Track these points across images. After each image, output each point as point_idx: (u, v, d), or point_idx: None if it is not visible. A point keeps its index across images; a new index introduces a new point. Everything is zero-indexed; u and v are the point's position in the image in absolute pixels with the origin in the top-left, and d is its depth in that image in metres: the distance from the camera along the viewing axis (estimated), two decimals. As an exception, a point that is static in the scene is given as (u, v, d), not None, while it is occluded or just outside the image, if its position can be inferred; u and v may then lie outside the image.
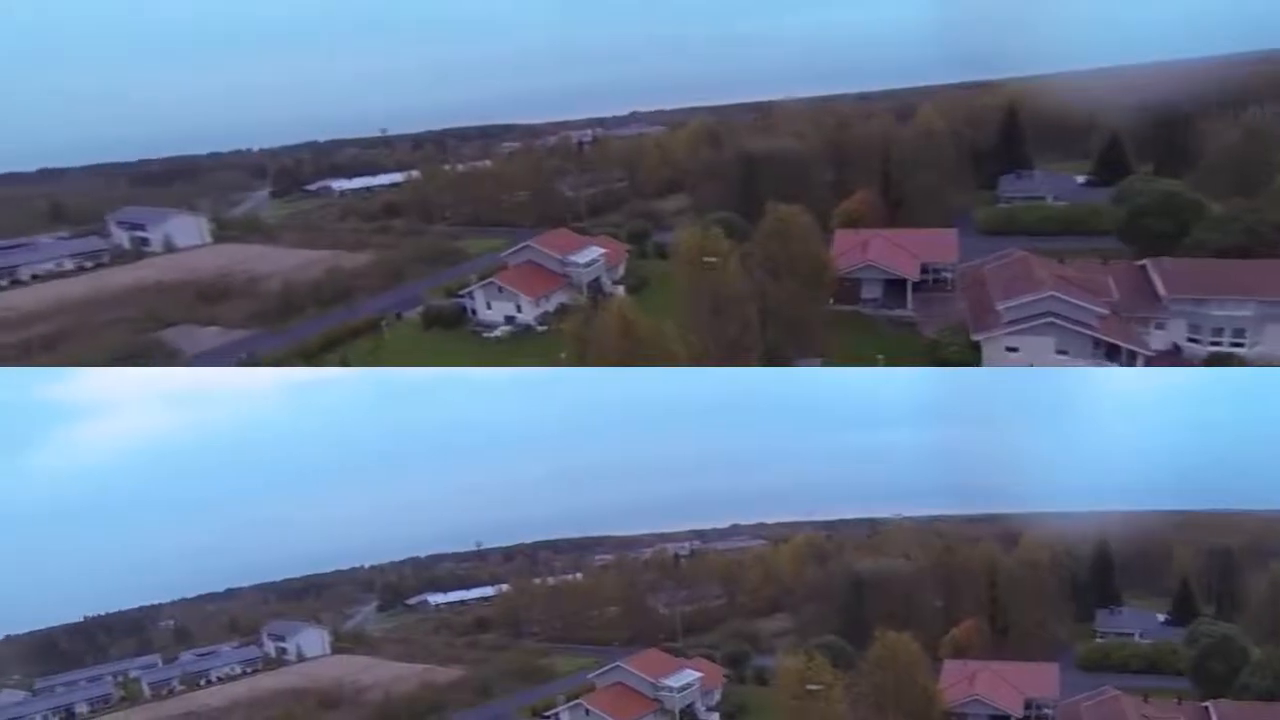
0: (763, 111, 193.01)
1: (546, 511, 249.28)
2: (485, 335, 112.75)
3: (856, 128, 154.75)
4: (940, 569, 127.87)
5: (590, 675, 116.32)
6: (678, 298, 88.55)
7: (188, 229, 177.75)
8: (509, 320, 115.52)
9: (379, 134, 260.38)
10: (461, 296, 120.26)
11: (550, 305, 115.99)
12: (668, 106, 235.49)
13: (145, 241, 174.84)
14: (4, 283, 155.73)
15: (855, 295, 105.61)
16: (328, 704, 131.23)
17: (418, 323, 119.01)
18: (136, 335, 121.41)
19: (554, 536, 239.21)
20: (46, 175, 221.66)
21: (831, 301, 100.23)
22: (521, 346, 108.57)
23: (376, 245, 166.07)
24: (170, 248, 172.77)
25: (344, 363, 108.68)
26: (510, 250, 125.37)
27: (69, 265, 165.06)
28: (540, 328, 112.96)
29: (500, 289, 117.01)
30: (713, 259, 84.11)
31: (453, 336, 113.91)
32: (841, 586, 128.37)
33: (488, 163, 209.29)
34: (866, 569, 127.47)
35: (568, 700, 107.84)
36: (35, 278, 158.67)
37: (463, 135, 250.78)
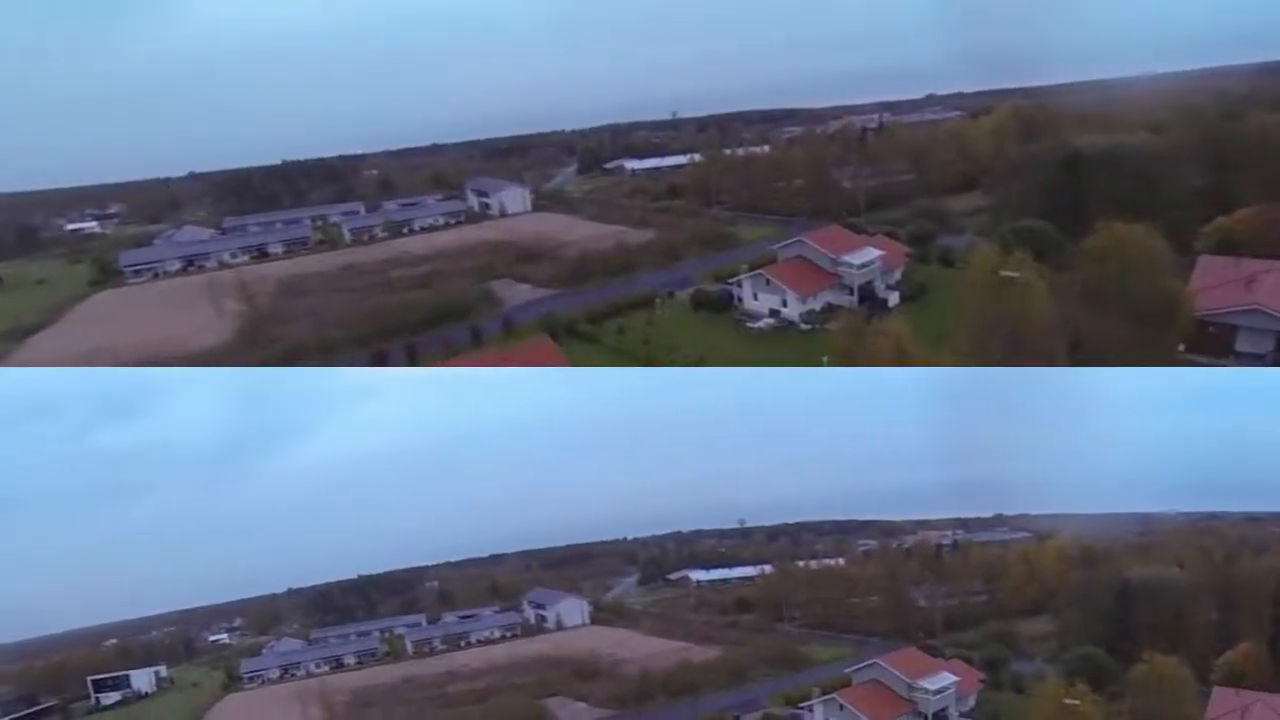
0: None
1: (810, 492, 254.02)
2: (749, 325, 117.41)
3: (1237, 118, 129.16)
4: (1218, 579, 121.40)
5: (847, 669, 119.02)
6: (964, 319, 78.81)
7: (516, 198, 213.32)
8: (773, 314, 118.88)
9: (669, 117, 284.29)
10: (730, 284, 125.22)
11: (817, 304, 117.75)
12: (969, 89, 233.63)
13: (487, 206, 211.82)
14: (405, 231, 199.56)
15: (1226, 346, 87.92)
16: (583, 675, 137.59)
17: (687, 303, 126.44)
18: (475, 283, 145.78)
19: (818, 518, 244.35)
20: (434, 150, 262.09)
21: (1182, 349, 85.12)
22: (783, 342, 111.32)
23: (658, 224, 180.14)
24: (503, 213, 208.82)
25: (620, 331, 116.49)
26: (782, 244, 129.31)
27: (441, 221, 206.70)
28: (804, 326, 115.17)
29: (768, 281, 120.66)
30: (1013, 274, 73.72)
31: (718, 321, 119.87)
32: (1108, 593, 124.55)
33: (766, 148, 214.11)
34: (1136, 577, 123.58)
35: (823, 693, 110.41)
36: (422, 229, 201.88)
37: (746, 119, 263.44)
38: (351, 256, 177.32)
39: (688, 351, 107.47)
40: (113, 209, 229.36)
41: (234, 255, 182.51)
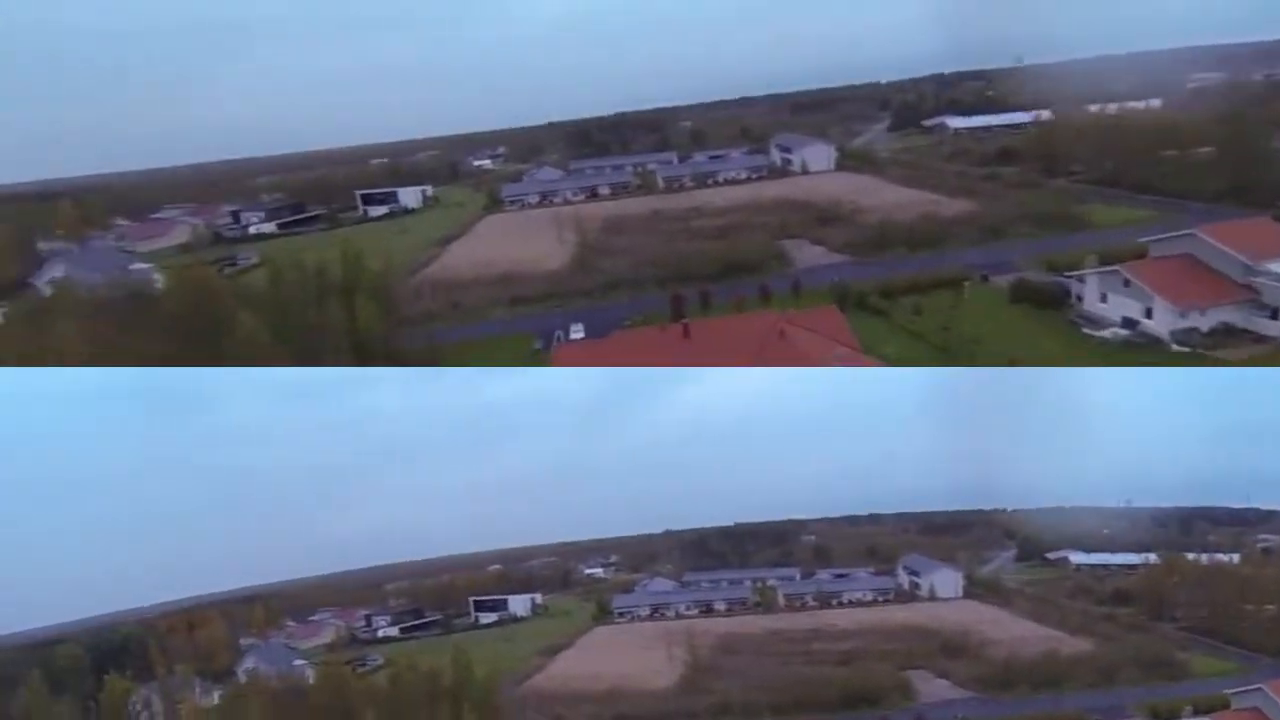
0: None
1: (1206, 474, 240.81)
2: (1088, 332, 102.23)
3: None
4: None
5: (1228, 690, 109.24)
6: None
7: (820, 155, 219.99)
8: (1128, 324, 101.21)
9: (1013, 64, 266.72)
10: (1067, 276, 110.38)
11: (1204, 321, 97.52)
12: None
13: (789, 162, 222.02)
14: (710, 183, 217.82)
15: None
16: (949, 650, 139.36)
17: (1004, 291, 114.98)
18: (768, 240, 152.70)
19: (1213, 504, 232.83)
20: (744, 103, 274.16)
21: None
22: (1138, 359, 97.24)
23: (981, 194, 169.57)
24: (805, 170, 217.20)
25: (917, 311, 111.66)
26: (1159, 236, 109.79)
27: (743, 175, 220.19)
28: (1177, 347, 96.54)
29: (1127, 282, 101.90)
30: None
31: (1043, 319, 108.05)
32: None
33: (1155, 103, 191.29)
34: None
35: (1195, 713, 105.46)
36: (725, 181, 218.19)
37: (1113, 64, 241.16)
38: (661, 203, 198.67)
39: (996, 349, 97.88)
40: (500, 150, 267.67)
41: (574, 194, 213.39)
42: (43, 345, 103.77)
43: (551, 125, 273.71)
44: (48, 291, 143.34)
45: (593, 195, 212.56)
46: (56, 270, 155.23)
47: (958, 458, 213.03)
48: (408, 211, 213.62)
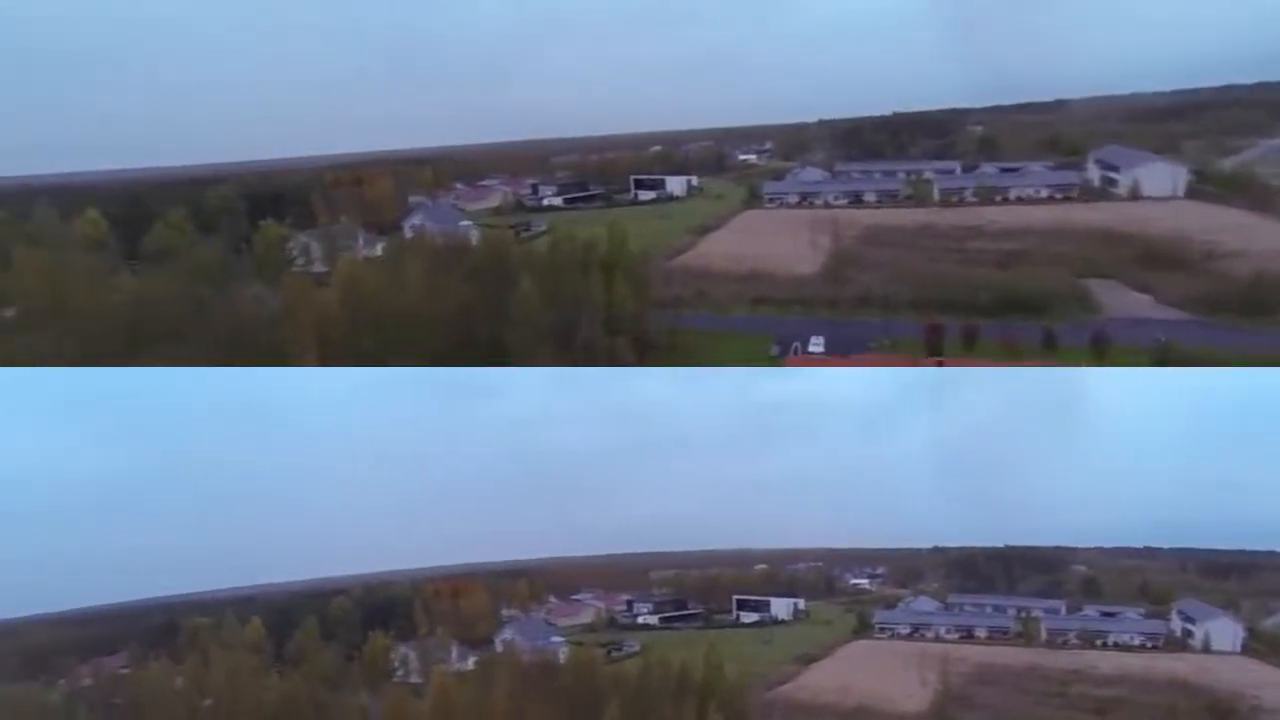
0: None
1: None
2: None
3: None
4: None
5: None
6: None
7: (1159, 177, 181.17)
8: None
9: None
10: None
11: None
12: None
13: (1113, 183, 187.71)
14: (997, 199, 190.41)
15: None
16: (1216, 713, 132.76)
17: None
18: (1068, 276, 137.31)
19: None
20: (1057, 106, 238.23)
21: None
22: None
23: None
24: (1134, 194, 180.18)
25: None
26: None
27: (1043, 193, 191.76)
28: None
29: None
30: None
31: None
32: None
33: None
34: None
35: None
36: (1018, 199, 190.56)
37: None
38: (933, 217, 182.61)
39: None
40: (767, 146, 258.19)
41: (836, 198, 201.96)
42: (398, 276, 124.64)
43: (822, 123, 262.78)
44: (409, 234, 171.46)
45: (856, 201, 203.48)
46: (416, 219, 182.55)
47: (1253, 491, 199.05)
48: (672, 198, 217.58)
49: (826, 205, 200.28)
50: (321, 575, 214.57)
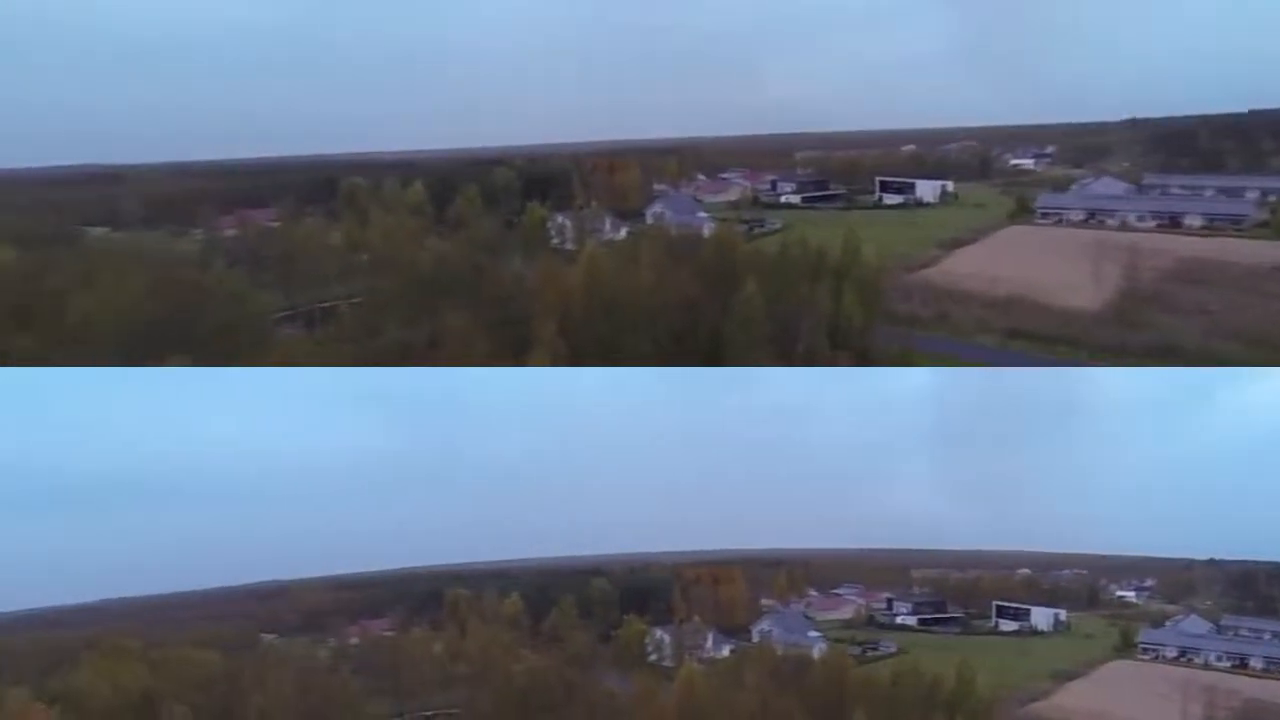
0: None
1: None
2: None
3: None
4: None
5: None
6: None
7: None
8: None
9: None
10: None
11: None
12: None
13: None
14: None
15: None
16: None
17: None
18: None
19: None
20: None
21: None
22: None
23: None
24: None
25: None
26: None
27: None
28: None
29: None
30: None
31: None
32: None
33: None
34: None
35: None
36: None
37: None
38: None
39: None
40: (1048, 149, 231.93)
41: (1140, 218, 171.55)
42: (633, 263, 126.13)
43: (1133, 123, 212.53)
44: (650, 221, 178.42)
45: (1172, 224, 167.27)
46: (657, 208, 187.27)
47: None
48: (920, 204, 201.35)
49: (1124, 226, 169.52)
50: (581, 553, 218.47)
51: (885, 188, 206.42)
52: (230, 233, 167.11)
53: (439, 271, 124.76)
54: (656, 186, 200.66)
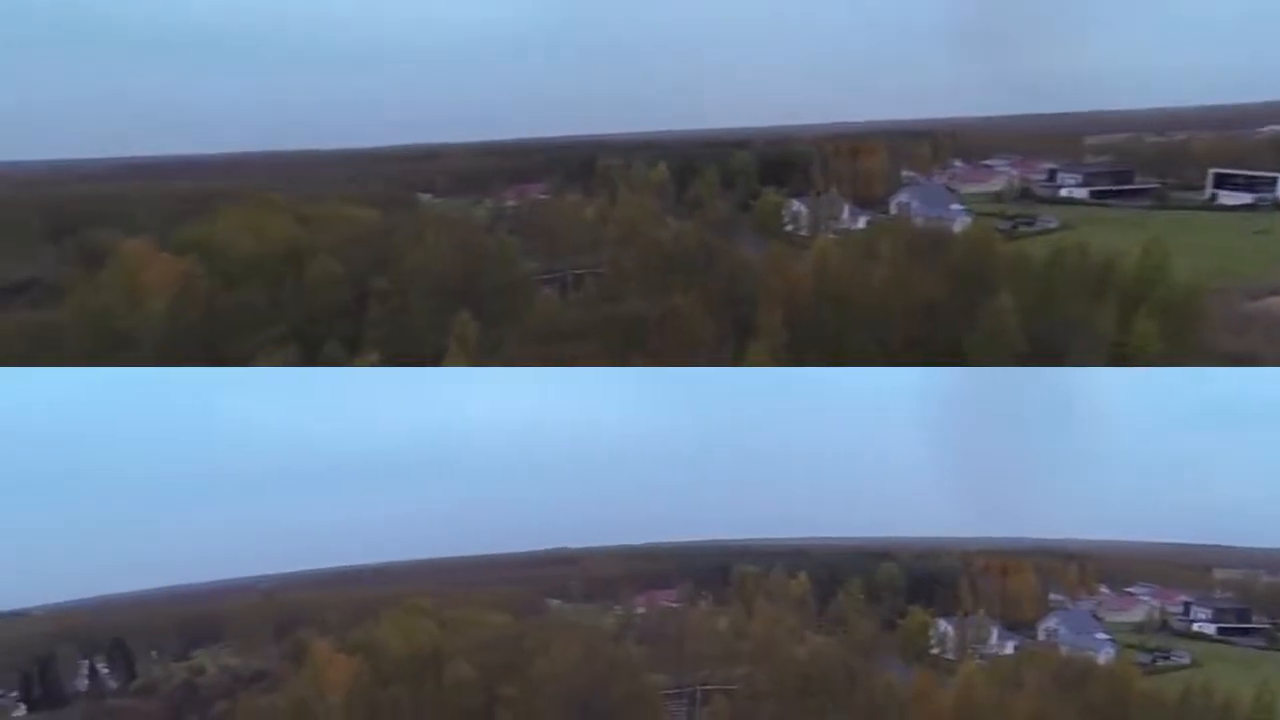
0: None
1: None
2: None
3: None
4: None
5: None
6: None
7: None
8: None
9: None
10: None
11: None
12: None
13: None
14: None
15: None
16: None
17: None
18: None
19: None
20: None
21: None
22: None
23: None
24: None
25: None
26: None
27: None
28: None
29: None
30: None
31: None
32: None
33: None
34: None
35: None
36: None
37: None
38: None
39: None
40: None
41: None
42: (867, 257, 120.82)
43: None
44: (893, 212, 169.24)
45: None
46: (902, 197, 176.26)
47: None
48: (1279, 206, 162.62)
49: None
50: (872, 535, 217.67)
51: (1224, 182, 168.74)
52: (511, 203, 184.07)
53: (674, 250, 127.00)
54: (905, 174, 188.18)
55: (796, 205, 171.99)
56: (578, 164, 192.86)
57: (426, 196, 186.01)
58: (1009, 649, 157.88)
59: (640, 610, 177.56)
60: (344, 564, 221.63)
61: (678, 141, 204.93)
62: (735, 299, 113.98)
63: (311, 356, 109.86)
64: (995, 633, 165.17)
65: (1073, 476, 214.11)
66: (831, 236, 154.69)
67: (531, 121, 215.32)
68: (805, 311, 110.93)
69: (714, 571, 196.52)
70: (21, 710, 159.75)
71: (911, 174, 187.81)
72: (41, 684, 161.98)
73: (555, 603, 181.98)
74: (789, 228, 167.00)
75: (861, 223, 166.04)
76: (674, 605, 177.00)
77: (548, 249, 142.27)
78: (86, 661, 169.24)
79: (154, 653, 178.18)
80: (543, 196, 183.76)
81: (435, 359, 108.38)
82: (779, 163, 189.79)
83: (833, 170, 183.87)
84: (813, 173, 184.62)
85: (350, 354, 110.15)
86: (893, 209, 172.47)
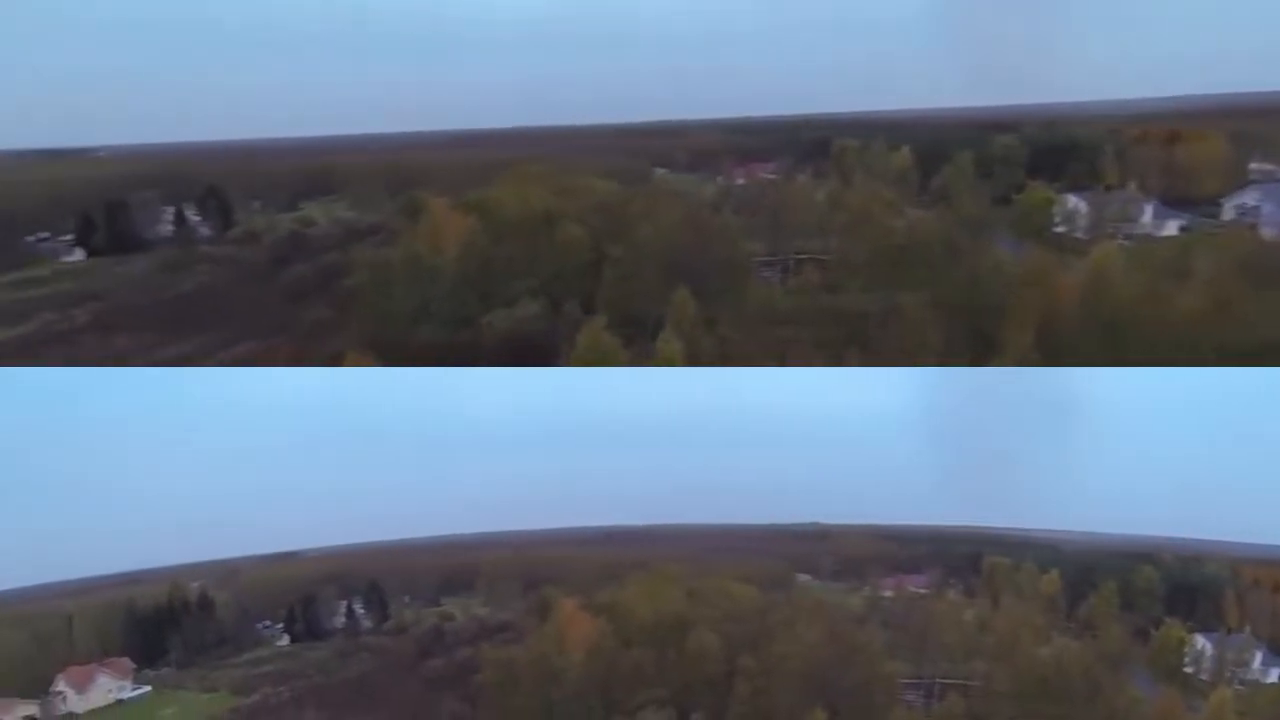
0: None
1: None
2: None
3: None
4: None
5: None
6: None
7: None
8: None
9: None
10: None
11: None
12: None
13: None
14: None
15: None
16: None
17: None
18: None
19: None
20: None
21: None
22: None
23: None
24: None
25: None
26: None
27: None
28: None
29: None
30: None
31: None
32: None
33: None
34: None
35: None
36: None
37: None
38: None
39: None
40: None
41: None
42: (1175, 275, 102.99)
43: None
44: (1229, 216, 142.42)
45: None
46: (1247, 197, 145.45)
47: None
48: None
49: None
50: (1129, 533, 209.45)
51: None
52: (740, 182, 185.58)
53: (907, 242, 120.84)
54: (1254, 166, 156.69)
55: (1074, 201, 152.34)
56: (811, 144, 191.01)
57: (662, 171, 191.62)
58: (1273, 677, 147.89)
59: (887, 594, 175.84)
60: (595, 524, 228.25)
61: (923, 123, 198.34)
62: (976, 306, 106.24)
63: (554, 311, 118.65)
64: (1260, 656, 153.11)
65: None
66: (1120, 242, 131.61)
67: (768, 99, 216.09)
68: (1067, 334, 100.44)
69: (965, 560, 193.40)
70: (285, 640, 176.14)
71: (1267, 167, 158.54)
72: (304, 619, 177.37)
73: (804, 578, 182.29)
74: (1060, 228, 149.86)
75: (1172, 228, 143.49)
76: (922, 591, 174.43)
77: (771, 231, 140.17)
78: (344, 602, 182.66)
79: (406, 597, 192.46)
80: (770, 176, 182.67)
81: (655, 329, 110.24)
82: (1053, 149, 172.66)
83: (1132, 159, 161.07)
84: (1102, 162, 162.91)
85: (584, 313, 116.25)
86: (1227, 213, 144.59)
